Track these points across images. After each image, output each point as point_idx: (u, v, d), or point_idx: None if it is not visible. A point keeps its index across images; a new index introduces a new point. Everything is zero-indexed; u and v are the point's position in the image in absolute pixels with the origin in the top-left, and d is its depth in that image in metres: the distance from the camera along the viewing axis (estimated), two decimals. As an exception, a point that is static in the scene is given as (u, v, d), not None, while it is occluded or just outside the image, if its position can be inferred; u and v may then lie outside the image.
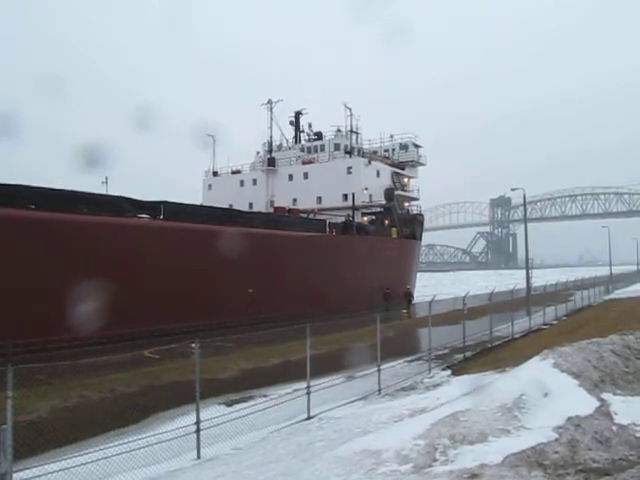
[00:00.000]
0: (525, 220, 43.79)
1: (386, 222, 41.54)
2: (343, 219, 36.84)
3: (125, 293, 19.11)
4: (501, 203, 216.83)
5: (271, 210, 38.85)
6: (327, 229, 33.82)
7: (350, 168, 40.56)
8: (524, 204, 49.38)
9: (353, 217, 37.46)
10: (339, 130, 44.77)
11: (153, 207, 23.11)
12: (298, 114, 47.07)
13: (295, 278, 28.91)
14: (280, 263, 28.10)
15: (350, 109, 43.32)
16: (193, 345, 8.44)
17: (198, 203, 35.76)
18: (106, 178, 31.30)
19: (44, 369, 10.25)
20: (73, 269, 18.39)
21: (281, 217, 32.71)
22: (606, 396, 8.18)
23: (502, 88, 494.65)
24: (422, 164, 48.57)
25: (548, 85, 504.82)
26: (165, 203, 23.58)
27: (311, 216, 37.05)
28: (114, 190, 21.93)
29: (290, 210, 36.62)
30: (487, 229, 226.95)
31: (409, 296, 33.25)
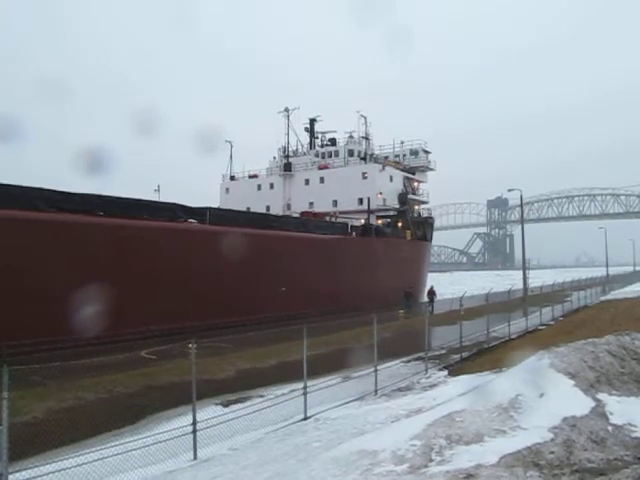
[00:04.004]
0: (522, 221, 43.91)
1: (399, 225, 43.14)
2: (362, 222, 38.90)
3: (180, 291, 21.26)
4: (498, 204, 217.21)
5: (288, 212, 41.04)
6: (349, 231, 36.03)
7: (365, 173, 42.41)
8: (521, 205, 49.51)
9: (368, 219, 39.65)
10: (351, 136, 46.99)
11: (200, 213, 25.28)
12: (313, 121, 49.09)
13: (323, 277, 30.68)
14: (309, 263, 29.89)
15: (365, 117, 46.49)
16: (190, 345, 8.43)
17: (215, 206, 36.94)
18: (158, 186, 35.31)
19: (40, 370, 10.23)
20: (136, 269, 20.20)
21: (309, 221, 34.62)
22: (602, 396, 8.21)
23: (501, 90, 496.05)
24: (431, 169, 50.27)
25: (547, 88, 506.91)
26: (210, 209, 26.18)
27: (332, 219, 38.54)
28: (119, 193, 22.76)
29: (315, 214, 38.52)
30: (484, 230, 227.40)
31: (432, 294, 32.95)
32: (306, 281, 29.07)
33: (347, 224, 36.61)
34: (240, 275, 24.59)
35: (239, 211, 32.29)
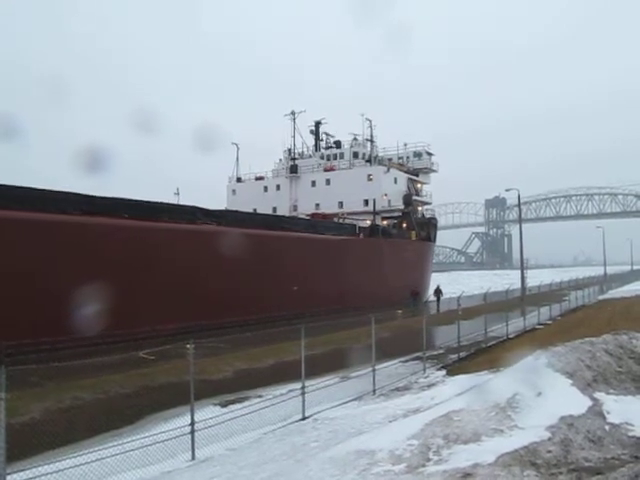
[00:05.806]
0: (520, 220, 43.85)
1: (404, 225, 43.94)
2: (368, 223, 39.77)
3: (198, 290, 22.06)
4: (496, 204, 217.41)
5: (294, 214, 42.12)
6: (357, 232, 37.09)
7: (370, 175, 43.41)
8: (519, 204, 49.46)
9: (374, 220, 40.61)
10: (356, 138, 47.67)
11: (218, 215, 26.48)
12: (318, 124, 49.73)
13: (332, 277, 31.58)
14: (320, 263, 30.87)
15: (370, 121, 47.25)
16: (188, 346, 8.42)
17: (222, 207, 38.61)
18: (177, 189, 36.34)
19: (37, 370, 10.22)
20: (157, 269, 21.07)
21: (319, 222, 35.68)
22: (599, 395, 8.24)
23: (501, 90, 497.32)
24: (434, 171, 51.15)
25: (547, 88, 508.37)
26: (227, 211, 27.94)
27: (340, 220, 39.45)
28: (118, 192, 23.26)
29: (325, 216, 39.36)
30: (482, 229, 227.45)
31: (439, 293, 33.55)
32: (316, 280, 29.74)
33: (355, 225, 37.46)
34: (255, 274, 25.24)
35: (253, 213, 33.47)
